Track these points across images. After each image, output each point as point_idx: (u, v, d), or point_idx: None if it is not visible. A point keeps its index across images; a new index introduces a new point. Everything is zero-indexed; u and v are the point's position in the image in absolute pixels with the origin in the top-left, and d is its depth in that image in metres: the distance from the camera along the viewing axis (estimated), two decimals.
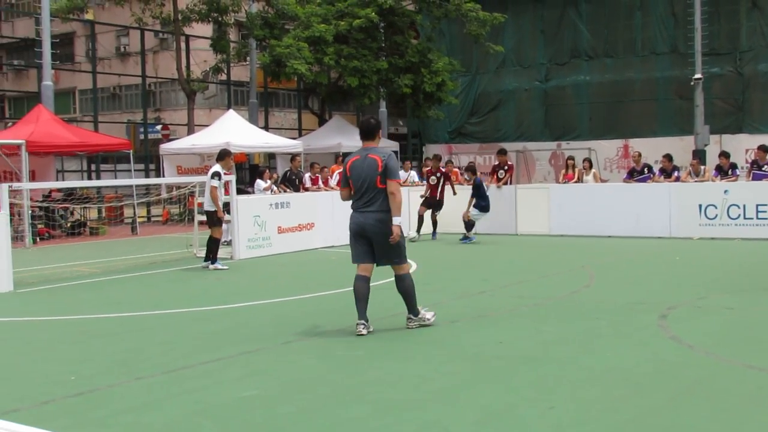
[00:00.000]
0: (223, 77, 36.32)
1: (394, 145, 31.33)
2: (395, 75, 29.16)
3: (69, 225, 24.74)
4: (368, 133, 9.24)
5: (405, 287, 9.26)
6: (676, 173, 20.07)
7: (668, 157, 20.48)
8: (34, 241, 21.51)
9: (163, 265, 16.30)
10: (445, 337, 8.95)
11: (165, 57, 43.05)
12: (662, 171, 20.33)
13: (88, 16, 42.89)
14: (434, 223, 20.54)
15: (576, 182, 21.48)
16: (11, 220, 14.27)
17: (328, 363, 7.87)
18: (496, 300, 11.36)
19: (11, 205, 14.39)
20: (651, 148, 26.85)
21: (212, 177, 15.21)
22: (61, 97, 41.69)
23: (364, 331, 8.93)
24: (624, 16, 33.17)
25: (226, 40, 30.98)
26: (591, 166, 22.27)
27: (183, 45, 32.34)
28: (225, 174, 15.70)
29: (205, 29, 35.08)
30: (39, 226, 23.48)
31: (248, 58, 31.73)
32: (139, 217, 26.51)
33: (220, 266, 15.17)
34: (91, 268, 16.05)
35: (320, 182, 21.04)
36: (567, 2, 34.16)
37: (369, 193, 8.96)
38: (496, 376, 7.24)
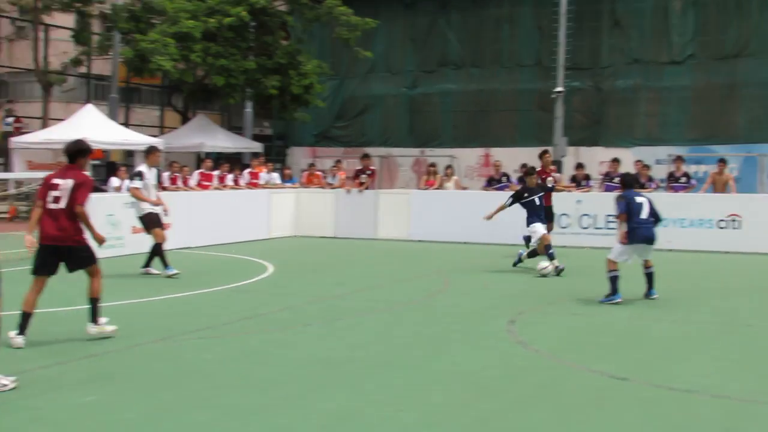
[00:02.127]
0: (84, 70, 35.26)
1: (259, 147, 31.06)
2: (263, 75, 28.88)
3: None
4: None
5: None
6: None
7: (526, 167, 20.95)
8: None
9: (8, 264, 15.59)
10: (298, 341, 8.90)
11: (21, 46, 41.39)
12: (520, 180, 20.76)
13: None
14: None
15: (437, 189, 21.75)
16: None
17: (176, 367, 7.70)
18: (350, 304, 11.38)
19: None
20: (511, 158, 27.37)
21: (132, 178, 14.34)
22: None
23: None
24: (492, 28, 33.73)
25: (89, 31, 30.08)
26: (452, 174, 22.60)
27: (42, 34, 31.19)
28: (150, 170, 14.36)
29: (66, 19, 33.92)
30: None
31: (111, 52, 30.85)
32: None
33: (171, 271, 13.92)
34: None
35: (179, 182, 20.63)
36: (438, 11, 34.52)
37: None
38: (347, 380, 7.24)
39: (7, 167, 28.31)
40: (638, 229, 11.22)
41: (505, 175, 21.57)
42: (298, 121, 32.82)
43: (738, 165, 26.27)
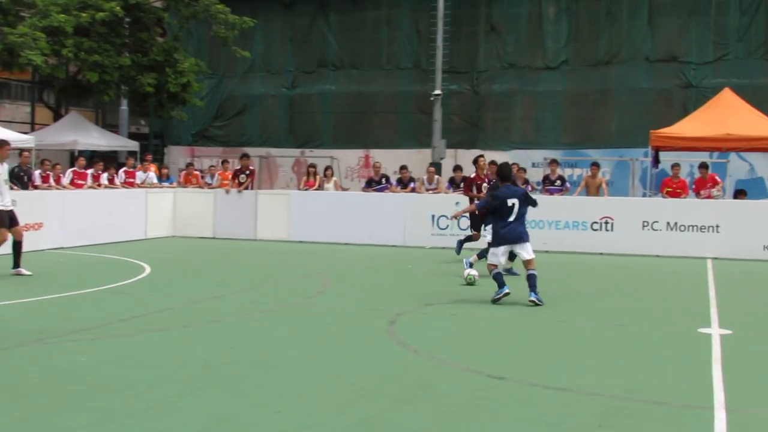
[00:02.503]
0: None
1: (135, 145, 30.44)
2: (138, 73, 28.31)
3: None
4: None
5: None
6: (412, 184, 20.82)
7: (406, 169, 21.22)
8: None
9: None
10: (176, 343, 8.78)
11: None
12: (399, 181, 21.00)
13: None
14: None
15: (317, 189, 21.74)
16: None
17: (49, 370, 7.49)
18: (229, 305, 11.28)
19: None
20: (391, 159, 27.58)
21: None
22: None
23: None
24: (371, 30, 33.92)
25: None
26: (332, 175, 22.64)
27: None
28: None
29: None
30: None
31: None
32: None
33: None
34: None
35: (51, 180, 20.03)
36: (316, 12, 34.49)
37: None
38: (225, 382, 7.18)
39: None
40: (505, 233, 11.42)
41: (385, 176, 21.73)
42: (176, 119, 32.33)
43: (610, 169, 27.20)
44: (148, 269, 14.71)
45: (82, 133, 28.53)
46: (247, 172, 21.76)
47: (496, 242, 11.56)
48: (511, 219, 11.44)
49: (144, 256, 16.58)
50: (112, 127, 34.09)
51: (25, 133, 29.70)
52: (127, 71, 27.88)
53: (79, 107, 34.79)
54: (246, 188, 21.39)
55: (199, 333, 9.33)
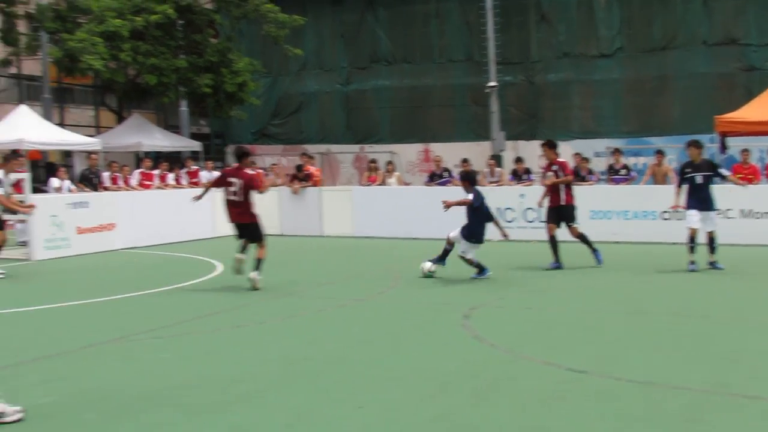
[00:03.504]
0: (14, 71, 34.56)
1: (197, 145, 30.79)
2: (195, 74, 28.63)
3: None
4: None
5: None
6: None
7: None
8: None
9: None
10: (253, 339, 8.86)
11: None
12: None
13: None
14: None
15: (379, 185, 21.78)
16: None
17: (133, 367, 7.63)
18: (303, 301, 11.35)
19: None
20: (450, 153, 27.55)
21: None
22: None
23: None
24: (421, 24, 33.86)
25: (16, 32, 29.51)
26: (394, 169, 22.67)
27: None
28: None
29: None
30: None
31: (39, 52, 30.30)
32: None
33: None
34: None
35: (120, 182, 20.38)
36: (365, 7, 34.53)
37: None
38: (305, 377, 7.22)
39: None
40: (481, 231, 13.05)
41: (447, 170, 21.69)
42: (235, 119, 32.63)
43: (675, 156, 26.75)
44: (219, 267, 14.88)
45: (146, 135, 28.99)
46: (308, 172, 21.88)
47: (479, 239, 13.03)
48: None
49: (214, 254, 16.77)
50: (173, 128, 34.51)
51: (91, 136, 30.24)
52: (184, 73, 28.22)
53: (140, 109, 35.32)
54: (312, 185, 21.60)
55: (276, 329, 9.41)
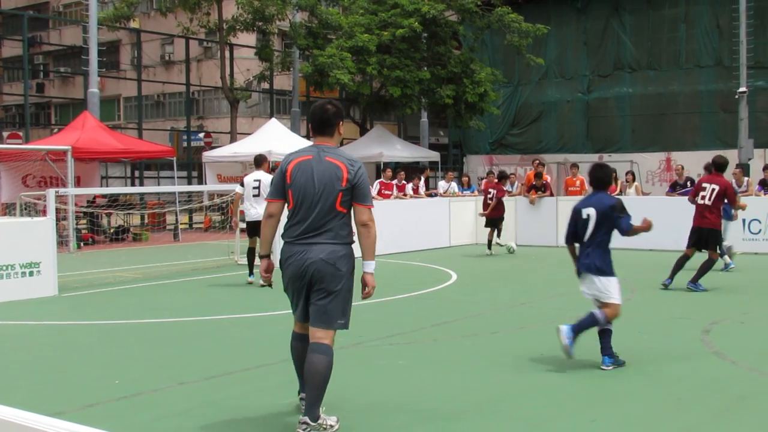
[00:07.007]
0: (266, 86, 36.57)
1: (436, 156, 31.35)
2: (437, 85, 29.16)
3: (112, 231, 25.03)
4: (323, 124, 6.09)
5: (319, 366, 5.86)
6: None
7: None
8: (78, 246, 21.80)
9: (204, 271, 16.42)
10: (486, 348, 8.93)
11: (209, 65, 43.44)
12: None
13: (134, 25, 43.37)
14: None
15: (618, 194, 21.27)
16: (56, 225, 14.42)
17: (370, 372, 7.89)
18: (534, 312, 11.34)
19: (57, 210, 14.52)
20: (693, 162, 26.55)
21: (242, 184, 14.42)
22: (107, 104, 42.19)
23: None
24: (668, 29, 32.96)
25: (270, 48, 31.20)
26: (633, 179, 22.10)
27: (227, 54, 32.60)
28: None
29: (248, 38, 35.35)
30: (83, 231, 23.79)
31: (291, 68, 31.95)
32: (181, 223, 26.71)
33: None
34: (133, 273, 16.20)
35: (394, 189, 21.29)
36: (611, 14, 34.02)
37: (319, 217, 5.90)
38: (538, 387, 7.22)
39: (200, 180, 29.73)
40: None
41: (690, 179, 20.88)
42: (473, 129, 32.96)
43: None
44: (454, 276, 15.09)
45: (387, 146, 29.80)
46: (545, 182, 21.75)
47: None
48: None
49: (449, 263, 17.02)
50: (413, 138, 35.33)
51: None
52: (427, 84, 28.80)
53: (381, 121, 36.42)
54: (548, 195, 21.46)
55: (508, 339, 9.44)
